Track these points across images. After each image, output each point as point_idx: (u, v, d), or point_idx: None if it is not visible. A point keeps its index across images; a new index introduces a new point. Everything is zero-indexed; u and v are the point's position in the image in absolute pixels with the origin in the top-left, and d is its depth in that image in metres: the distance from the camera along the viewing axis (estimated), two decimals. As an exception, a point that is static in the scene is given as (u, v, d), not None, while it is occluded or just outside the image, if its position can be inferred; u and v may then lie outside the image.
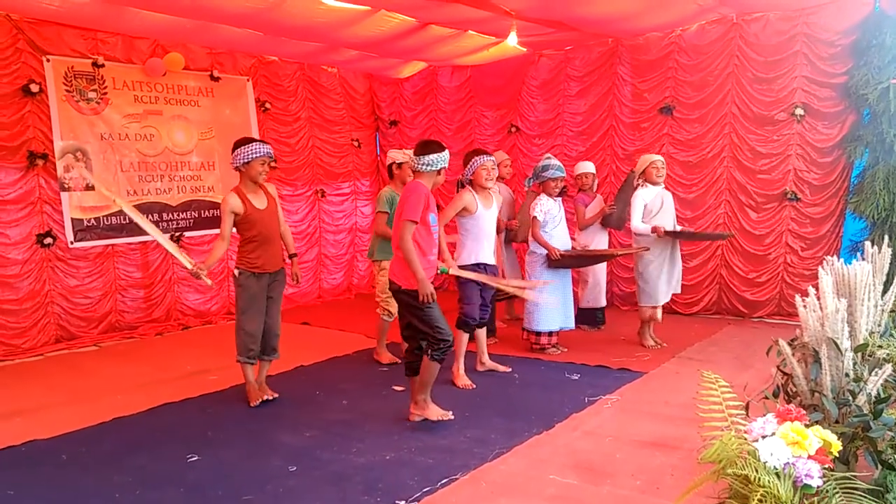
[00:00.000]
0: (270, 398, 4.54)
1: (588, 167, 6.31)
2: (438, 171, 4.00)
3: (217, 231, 7.28)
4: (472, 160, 4.78)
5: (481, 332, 5.10)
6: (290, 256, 4.74)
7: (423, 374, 4.00)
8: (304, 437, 3.92)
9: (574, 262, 5.59)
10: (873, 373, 2.35)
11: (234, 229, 4.42)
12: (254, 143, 4.37)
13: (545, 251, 5.26)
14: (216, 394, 4.78)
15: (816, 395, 2.44)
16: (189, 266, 4.22)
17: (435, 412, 4.04)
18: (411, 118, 8.90)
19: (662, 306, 5.65)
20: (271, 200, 4.53)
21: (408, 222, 3.83)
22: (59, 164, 6.24)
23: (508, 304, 6.87)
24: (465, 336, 4.87)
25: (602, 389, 4.54)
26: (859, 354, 2.52)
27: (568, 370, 5.05)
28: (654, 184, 5.52)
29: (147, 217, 6.99)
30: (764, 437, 1.97)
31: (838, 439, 1.98)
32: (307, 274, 8.12)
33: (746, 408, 2.29)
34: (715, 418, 2.19)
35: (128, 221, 6.68)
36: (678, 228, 5.69)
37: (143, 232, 6.76)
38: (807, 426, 1.95)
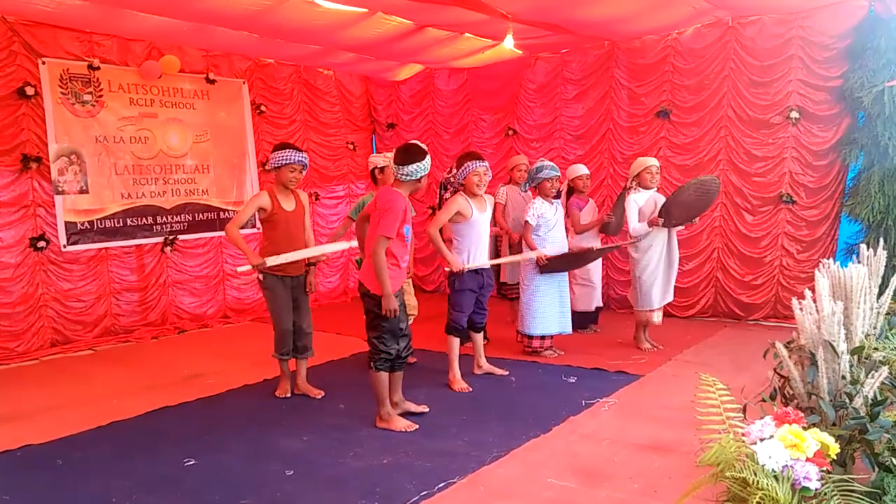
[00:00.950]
0: (315, 396, 4.67)
1: (581, 169, 6.29)
2: (419, 179, 3.95)
3: (212, 234, 7.35)
4: (465, 165, 4.65)
5: (478, 336, 5.07)
6: (309, 264, 4.74)
7: (373, 388, 4.03)
8: (301, 441, 3.91)
9: (564, 264, 5.46)
10: (870, 375, 2.36)
11: (257, 227, 4.52)
12: (287, 150, 4.49)
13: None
14: (213, 398, 4.77)
15: (813, 397, 2.44)
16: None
17: (399, 424, 4.03)
18: (409, 121, 8.90)
19: (661, 309, 5.64)
20: (300, 205, 4.62)
21: (382, 238, 3.83)
22: (54, 167, 6.21)
23: (512, 307, 6.83)
24: (456, 340, 4.84)
25: (599, 392, 4.54)
26: (856, 357, 2.52)
27: (565, 373, 5.05)
28: (647, 188, 5.52)
29: (141, 220, 6.98)
30: (762, 439, 1.96)
31: (835, 442, 1.98)
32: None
33: (744, 410, 2.29)
34: (713, 421, 2.19)
35: (122, 225, 6.67)
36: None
37: (136, 236, 6.77)
38: (804, 429, 1.96)
